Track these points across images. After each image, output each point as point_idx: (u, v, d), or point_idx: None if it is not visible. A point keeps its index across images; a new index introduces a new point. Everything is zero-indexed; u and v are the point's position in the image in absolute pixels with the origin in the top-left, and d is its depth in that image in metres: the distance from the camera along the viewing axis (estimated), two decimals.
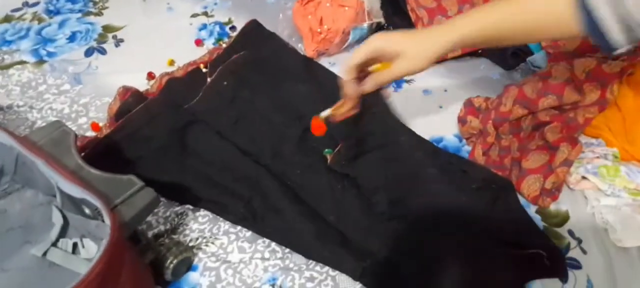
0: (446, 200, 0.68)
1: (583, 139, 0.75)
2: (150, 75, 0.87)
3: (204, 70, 0.87)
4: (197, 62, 0.90)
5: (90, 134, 0.79)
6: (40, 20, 1.03)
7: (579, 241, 0.67)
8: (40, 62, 0.93)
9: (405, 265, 0.61)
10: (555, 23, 0.54)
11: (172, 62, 0.92)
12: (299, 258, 0.64)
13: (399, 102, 0.88)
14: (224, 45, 0.94)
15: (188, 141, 0.73)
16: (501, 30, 0.57)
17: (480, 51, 0.97)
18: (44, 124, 0.79)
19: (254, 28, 0.96)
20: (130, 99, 0.78)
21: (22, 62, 0.92)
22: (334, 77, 0.90)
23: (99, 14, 1.06)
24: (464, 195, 0.69)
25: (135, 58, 0.95)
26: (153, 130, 0.73)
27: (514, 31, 0.57)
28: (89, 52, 0.96)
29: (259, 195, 0.68)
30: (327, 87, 0.86)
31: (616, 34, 0.50)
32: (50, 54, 0.95)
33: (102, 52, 0.96)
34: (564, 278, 0.62)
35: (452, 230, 0.65)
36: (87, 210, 0.53)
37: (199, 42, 0.98)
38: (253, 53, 0.89)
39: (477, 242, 0.64)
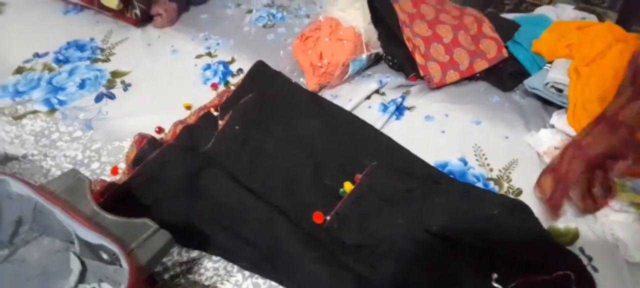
0: (469, 230, 0.68)
1: None
2: (159, 130, 0.89)
3: (215, 113, 0.89)
4: (208, 106, 0.92)
5: (109, 177, 0.80)
6: (50, 69, 1.07)
7: (590, 259, 0.67)
8: (52, 110, 0.95)
9: None
10: None
11: (189, 106, 0.95)
12: None
13: (402, 129, 0.90)
14: (233, 88, 0.97)
15: (201, 186, 0.74)
16: None
17: (478, 74, 1.00)
18: (58, 171, 0.81)
19: (260, 68, 0.98)
20: (146, 146, 0.80)
21: (34, 112, 0.95)
22: (341, 110, 0.91)
23: (107, 60, 1.10)
24: (487, 224, 0.69)
25: (143, 101, 0.98)
26: (168, 175, 0.75)
27: None
28: (98, 98, 0.98)
29: (270, 239, 0.68)
30: (336, 121, 0.88)
31: None
32: (61, 102, 0.97)
33: (112, 97, 0.99)
34: None
35: (477, 261, 0.65)
36: (104, 256, 0.54)
37: (215, 86, 1.01)
38: (261, 93, 0.91)
39: (505, 269, 0.64)
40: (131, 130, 0.89)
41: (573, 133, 0.81)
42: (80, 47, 1.14)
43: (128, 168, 0.79)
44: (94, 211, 0.58)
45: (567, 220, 0.72)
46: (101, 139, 0.88)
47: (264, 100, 0.90)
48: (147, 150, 0.78)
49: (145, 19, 1.20)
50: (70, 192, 0.60)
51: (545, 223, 0.71)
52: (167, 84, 1.02)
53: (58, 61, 1.09)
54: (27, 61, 1.09)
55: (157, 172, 0.75)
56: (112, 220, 0.57)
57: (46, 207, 0.58)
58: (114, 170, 0.81)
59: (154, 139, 0.82)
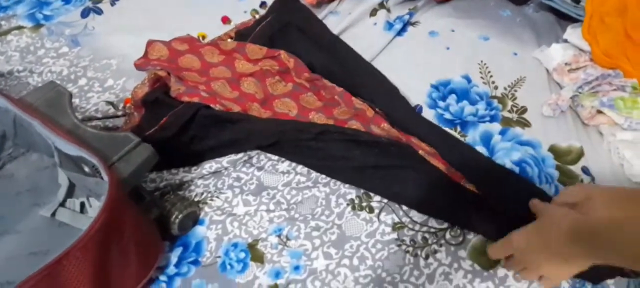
0: None
1: (600, 70, 0.71)
2: (128, 101, 0.78)
3: (229, 41, 0.83)
4: (223, 37, 0.86)
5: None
6: None
7: (593, 179, 0.64)
8: (38, 26, 0.91)
9: None
10: None
11: (204, 36, 0.88)
12: (304, 209, 0.63)
13: (404, 46, 0.85)
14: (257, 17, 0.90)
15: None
16: None
17: None
18: None
19: (284, 2, 0.90)
20: (158, 90, 0.74)
21: (19, 27, 0.91)
22: (356, 56, 0.82)
23: None
24: None
25: (131, 16, 0.93)
26: (192, 131, 0.69)
27: None
28: (85, 13, 0.94)
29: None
30: (347, 66, 0.80)
31: None
32: (46, 18, 0.93)
33: (98, 12, 0.94)
34: None
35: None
36: (86, 168, 0.53)
37: (225, 20, 0.92)
38: (279, 21, 0.85)
39: None
40: (120, 47, 0.86)
41: (587, 48, 0.75)
42: None
43: (136, 105, 0.74)
44: (74, 124, 0.56)
45: (571, 138, 0.68)
46: (88, 56, 0.85)
47: (284, 28, 0.84)
48: (160, 92, 0.73)
49: None
50: (49, 105, 0.58)
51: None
52: None
53: None
54: None
55: (184, 121, 0.69)
56: (93, 133, 0.55)
57: (26, 119, 0.56)
58: (128, 100, 0.77)
59: (166, 85, 0.75)
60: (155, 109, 0.72)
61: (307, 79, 0.75)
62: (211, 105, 0.70)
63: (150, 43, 0.79)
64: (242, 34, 0.85)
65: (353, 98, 0.71)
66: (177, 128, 0.67)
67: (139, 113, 0.73)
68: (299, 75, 0.76)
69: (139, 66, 0.78)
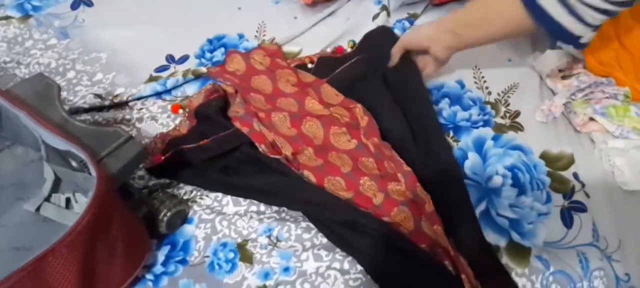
0: None
1: (593, 78, 0.72)
2: (175, 109, 0.74)
3: (310, 65, 0.80)
4: (304, 59, 0.82)
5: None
6: None
7: (583, 185, 0.65)
8: (26, 16, 0.89)
9: None
10: (510, 17, 0.62)
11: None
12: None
13: None
14: (349, 50, 0.84)
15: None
16: (469, 22, 0.68)
17: None
18: None
19: (381, 35, 0.84)
20: (214, 103, 0.71)
21: (7, 18, 0.89)
22: (439, 138, 0.70)
23: None
24: None
25: (122, 10, 0.92)
26: (236, 158, 0.66)
27: (478, 25, 0.68)
28: (75, 5, 0.92)
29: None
30: (426, 144, 0.68)
31: (562, 17, 0.55)
32: (35, 8, 0.91)
33: (89, 4, 0.92)
34: None
35: None
36: (73, 163, 0.52)
37: (340, 50, 0.84)
38: (368, 63, 0.78)
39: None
40: (110, 40, 0.85)
41: (580, 55, 0.76)
42: None
43: (190, 114, 0.72)
44: (63, 118, 0.55)
45: (562, 145, 0.69)
46: (77, 49, 0.83)
47: (367, 75, 0.77)
48: (213, 107, 0.70)
49: None
50: (38, 97, 0.56)
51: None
52: None
53: None
54: None
55: (226, 150, 0.66)
56: (82, 128, 0.54)
57: (12, 111, 0.55)
58: (175, 108, 0.74)
59: (224, 96, 0.73)
60: (205, 123, 0.70)
61: (375, 144, 0.66)
62: (257, 144, 0.65)
63: (230, 53, 0.79)
64: (324, 63, 0.80)
65: (417, 184, 0.61)
66: (215, 154, 0.65)
67: (190, 123, 0.71)
68: (368, 137, 0.67)
69: (212, 74, 0.77)
